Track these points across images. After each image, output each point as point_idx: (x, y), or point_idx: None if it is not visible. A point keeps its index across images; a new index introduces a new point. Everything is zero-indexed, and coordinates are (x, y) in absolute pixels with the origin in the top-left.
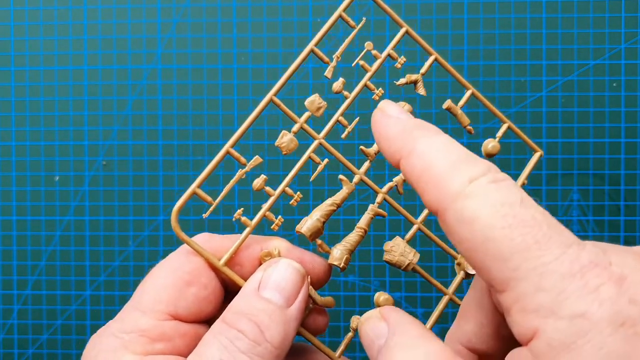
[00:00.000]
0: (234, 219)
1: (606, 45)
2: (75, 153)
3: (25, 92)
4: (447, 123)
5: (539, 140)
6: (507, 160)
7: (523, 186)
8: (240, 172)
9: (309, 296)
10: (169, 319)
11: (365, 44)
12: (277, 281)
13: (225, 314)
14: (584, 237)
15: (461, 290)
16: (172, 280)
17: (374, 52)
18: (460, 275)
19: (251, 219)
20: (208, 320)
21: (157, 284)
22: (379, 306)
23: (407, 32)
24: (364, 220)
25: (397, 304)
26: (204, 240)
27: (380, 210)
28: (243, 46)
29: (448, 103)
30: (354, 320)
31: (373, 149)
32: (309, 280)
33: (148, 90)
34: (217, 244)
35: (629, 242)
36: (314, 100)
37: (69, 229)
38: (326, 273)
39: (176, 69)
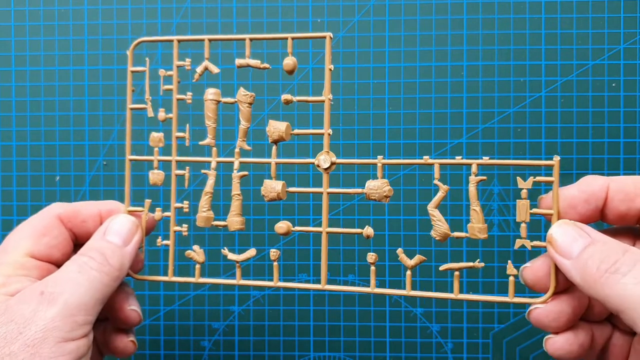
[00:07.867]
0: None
1: (605, 46)
2: (76, 153)
3: (26, 92)
4: (447, 123)
5: (539, 140)
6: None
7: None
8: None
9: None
10: (27, 257)
11: (159, 71)
12: (116, 228)
13: (80, 250)
14: None
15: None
16: (30, 232)
17: (169, 72)
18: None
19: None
20: (59, 265)
21: (19, 235)
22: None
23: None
24: (236, 188)
25: (396, 303)
26: (60, 205)
27: (242, 173)
28: (243, 46)
29: None
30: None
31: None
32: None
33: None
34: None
35: None
36: (154, 137)
37: None
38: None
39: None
